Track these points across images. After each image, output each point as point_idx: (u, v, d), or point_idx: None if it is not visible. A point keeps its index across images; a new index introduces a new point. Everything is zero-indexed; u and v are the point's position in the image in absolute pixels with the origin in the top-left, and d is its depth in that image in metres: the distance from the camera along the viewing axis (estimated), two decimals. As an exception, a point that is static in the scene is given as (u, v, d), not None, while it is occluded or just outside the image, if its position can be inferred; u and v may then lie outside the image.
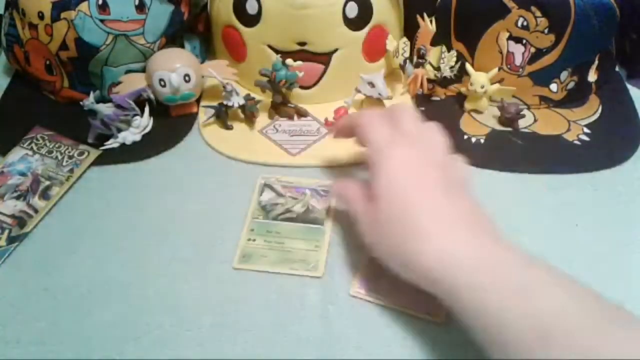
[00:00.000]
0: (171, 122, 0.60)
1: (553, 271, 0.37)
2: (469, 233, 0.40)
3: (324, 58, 0.60)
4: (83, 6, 0.56)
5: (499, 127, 0.59)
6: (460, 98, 0.61)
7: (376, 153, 0.44)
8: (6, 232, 0.50)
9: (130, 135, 0.58)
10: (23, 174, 0.54)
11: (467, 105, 0.61)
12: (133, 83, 0.59)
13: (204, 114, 0.60)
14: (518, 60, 0.59)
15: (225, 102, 0.58)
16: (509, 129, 0.59)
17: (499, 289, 0.36)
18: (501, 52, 0.59)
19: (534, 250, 0.41)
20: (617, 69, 0.66)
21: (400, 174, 0.42)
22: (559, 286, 0.36)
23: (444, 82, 0.61)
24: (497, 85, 0.59)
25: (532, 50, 0.58)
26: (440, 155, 0.44)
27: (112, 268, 0.48)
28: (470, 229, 0.40)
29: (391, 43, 0.62)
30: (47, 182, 0.54)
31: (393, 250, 0.41)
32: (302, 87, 0.60)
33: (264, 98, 0.60)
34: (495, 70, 0.59)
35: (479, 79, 0.58)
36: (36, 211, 0.52)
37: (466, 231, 0.40)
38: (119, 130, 0.57)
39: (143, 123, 0.58)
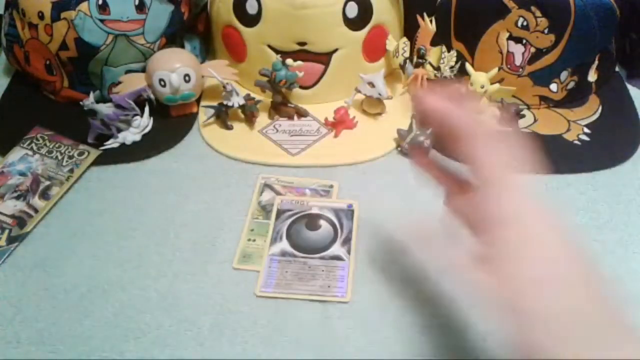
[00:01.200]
0: (171, 122, 0.60)
1: None
2: None
3: (324, 58, 0.60)
4: (83, 6, 0.56)
5: (499, 127, 0.59)
6: (460, 98, 0.61)
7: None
8: (6, 232, 0.50)
9: (130, 135, 0.58)
10: (23, 174, 0.54)
11: (467, 105, 0.61)
12: (133, 83, 0.59)
13: (204, 114, 0.60)
14: (518, 60, 0.59)
15: (225, 102, 0.58)
16: (509, 129, 0.59)
17: None
18: (501, 52, 0.59)
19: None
20: (617, 69, 0.66)
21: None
22: None
23: (444, 82, 0.61)
24: (497, 85, 0.59)
25: (532, 50, 0.58)
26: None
27: (112, 268, 0.48)
28: None
29: (391, 43, 0.62)
30: (47, 182, 0.54)
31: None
32: (302, 87, 0.60)
33: (264, 98, 0.60)
34: (495, 70, 0.59)
35: (479, 79, 0.58)
36: (36, 211, 0.52)
37: None
38: (119, 130, 0.57)
39: (143, 123, 0.58)
